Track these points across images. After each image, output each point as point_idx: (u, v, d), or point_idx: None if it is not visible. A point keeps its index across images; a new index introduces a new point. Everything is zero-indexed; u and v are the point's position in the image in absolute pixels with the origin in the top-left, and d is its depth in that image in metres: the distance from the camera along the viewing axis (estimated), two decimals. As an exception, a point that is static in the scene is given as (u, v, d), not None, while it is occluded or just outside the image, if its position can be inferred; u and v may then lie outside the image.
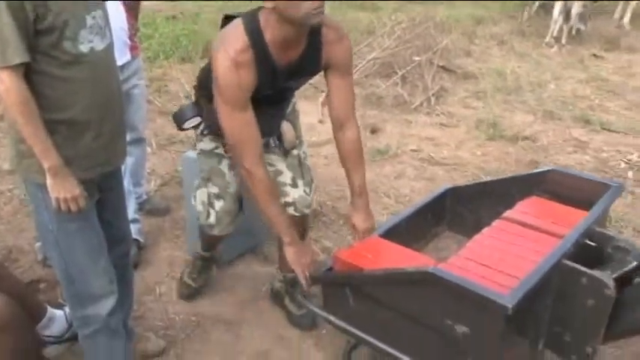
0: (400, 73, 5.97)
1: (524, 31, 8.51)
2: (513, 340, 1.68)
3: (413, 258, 1.93)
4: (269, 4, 1.92)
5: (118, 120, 1.97)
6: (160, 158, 4.33)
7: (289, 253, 2.17)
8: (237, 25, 2.02)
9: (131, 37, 2.91)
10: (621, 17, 8.97)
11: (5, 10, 1.57)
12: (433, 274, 1.62)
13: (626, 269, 1.69)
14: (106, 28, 1.89)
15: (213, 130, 2.34)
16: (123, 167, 2.92)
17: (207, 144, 2.44)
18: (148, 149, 3.91)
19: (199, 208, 2.50)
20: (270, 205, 2.14)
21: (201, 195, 2.48)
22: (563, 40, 7.83)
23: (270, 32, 1.99)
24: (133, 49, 2.95)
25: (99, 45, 1.81)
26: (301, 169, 2.48)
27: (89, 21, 1.77)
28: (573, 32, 8.03)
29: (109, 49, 1.90)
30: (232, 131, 2.07)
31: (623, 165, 4.38)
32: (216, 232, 2.53)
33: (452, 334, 1.64)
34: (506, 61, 7.13)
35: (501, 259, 1.85)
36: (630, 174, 4.23)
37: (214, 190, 2.44)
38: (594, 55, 7.47)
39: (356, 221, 2.25)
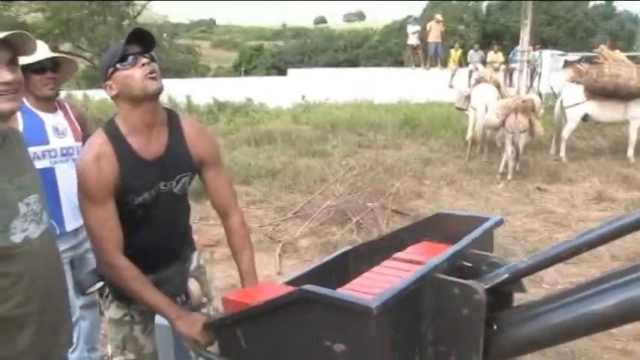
0: (355, 220, 6.10)
1: (471, 170, 8.89)
2: None
3: None
4: (113, 92, 2.07)
5: (61, 307, 1.85)
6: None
7: (180, 327, 2.10)
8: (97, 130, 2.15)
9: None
10: (557, 151, 9.54)
11: None
12: (305, 291, 1.64)
13: (498, 281, 1.73)
14: (43, 212, 1.76)
15: (117, 294, 2.30)
16: (77, 333, 2.89)
17: (115, 312, 2.37)
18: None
19: None
20: (144, 288, 2.11)
21: None
22: (509, 176, 8.21)
23: (126, 123, 2.10)
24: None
25: (34, 232, 1.69)
26: None
27: (22, 209, 1.65)
28: (517, 168, 8.44)
29: (47, 233, 1.77)
30: (91, 227, 2.08)
31: (579, 297, 4.44)
32: None
33: (332, 356, 1.61)
34: (456, 200, 7.39)
35: (380, 287, 1.87)
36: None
37: (131, 356, 2.39)
38: (538, 188, 7.81)
39: None
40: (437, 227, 2.33)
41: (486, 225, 2.13)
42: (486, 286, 1.69)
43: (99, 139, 2.09)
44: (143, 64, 2.03)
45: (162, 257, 2.30)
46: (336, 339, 1.62)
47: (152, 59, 2.07)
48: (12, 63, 1.65)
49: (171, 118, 2.22)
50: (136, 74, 2.02)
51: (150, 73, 2.04)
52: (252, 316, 1.86)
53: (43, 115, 2.79)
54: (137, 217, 2.17)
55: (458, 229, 2.20)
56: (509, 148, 8.26)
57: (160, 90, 2.09)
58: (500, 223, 2.21)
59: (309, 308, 1.66)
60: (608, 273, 1.53)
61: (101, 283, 2.37)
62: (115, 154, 2.07)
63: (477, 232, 2.05)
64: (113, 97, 2.10)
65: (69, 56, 3.44)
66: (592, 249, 1.59)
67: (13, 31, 1.63)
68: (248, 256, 2.36)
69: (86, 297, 3.09)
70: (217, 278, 4.66)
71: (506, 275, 1.74)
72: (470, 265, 1.93)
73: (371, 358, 1.58)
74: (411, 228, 2.41)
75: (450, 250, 1.89)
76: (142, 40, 2.07)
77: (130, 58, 2.03)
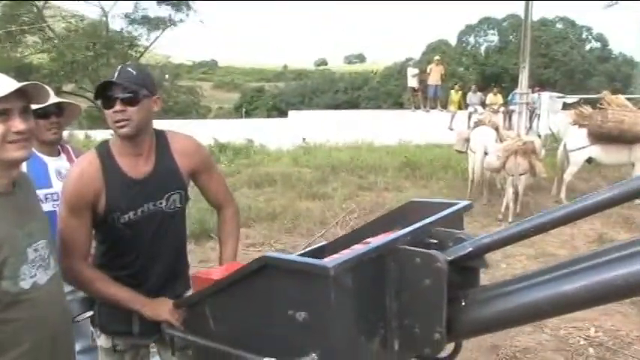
0: (355, 262, 6.04)
1: (471, 212, 8.81)
2: (360, 333, 1.61)
3: None
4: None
5: (67, 351, 1.84)
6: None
7: (149, 312, 2.11)
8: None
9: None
10: (558, 193, 9.56)
11: None
12: (266, 257, 1.62)
13: (462, 253, 1.69)
14: (50, 258, 1.76)
15: (102, 326, 2.31)
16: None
17: (105, 341, 2.36)
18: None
19: None
20: (108, 286, 2.14)
21: None
22: (510, 218, 8.20)
23: (116, 145, 2.17)
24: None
25: (42, 278, 1.68)
26: None
27: (31, 254, 1.66)
28: (518, 209, 8.44)
29: (54, 279, 1.77)
30: (64, 233, 2.11)
31: (582, 342, 4.38)
32: None
33: (296, 326, 1.58)
34: (457, 242, 7.33)
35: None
36: (591, 350, 4.23)
37: None
38: (539, 230, 7.76)
39: None
40: (409, 215, 2.28)
41: (455, 207, 2.11)
42: (449, 258, 1.65)
43: (89, 156, 2.17)
44: (115, 111, 2.07)
45: (153, 286, 2.27)
46: (298, 307, 1.59)
47: (129, 102, 2.07)
48: (25, 112, 1.67)
49: (159, 137, 2.27)
50: (109, 118, 2.10)
51: (118, 121, 2.07)
52: (218, 291, 1.84)
53: (46, 158, 2.81)
54: (125, 238, 2.19)
55: (429, 215, 2.22)
56: (509, 190, 8.28)
57: (128, 134, 2.10)
58: (469, 207, 2.19)
59: (271, 276, 1.65)
60: (579, 255, 1.51)
61: (90, 312, 2.35)
62: (101, 171, 2.13)
63: (444, 212, 2.03)
64: None
65: (72, 100, 3.47)
66: (557, 227, 1.58)
67: (28, 82, 1.66)
68: (232, 244, 2.49)
69: (83, 342, 3.06)
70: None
71: (470, 249, 1.70)
72: (435, 241, 1.89)
73: (332, 325, 1.54)
74: (384, 218, 2.38)
75: (415, 225, 1.86)
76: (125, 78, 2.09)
77: (106, 98, 2.08)
